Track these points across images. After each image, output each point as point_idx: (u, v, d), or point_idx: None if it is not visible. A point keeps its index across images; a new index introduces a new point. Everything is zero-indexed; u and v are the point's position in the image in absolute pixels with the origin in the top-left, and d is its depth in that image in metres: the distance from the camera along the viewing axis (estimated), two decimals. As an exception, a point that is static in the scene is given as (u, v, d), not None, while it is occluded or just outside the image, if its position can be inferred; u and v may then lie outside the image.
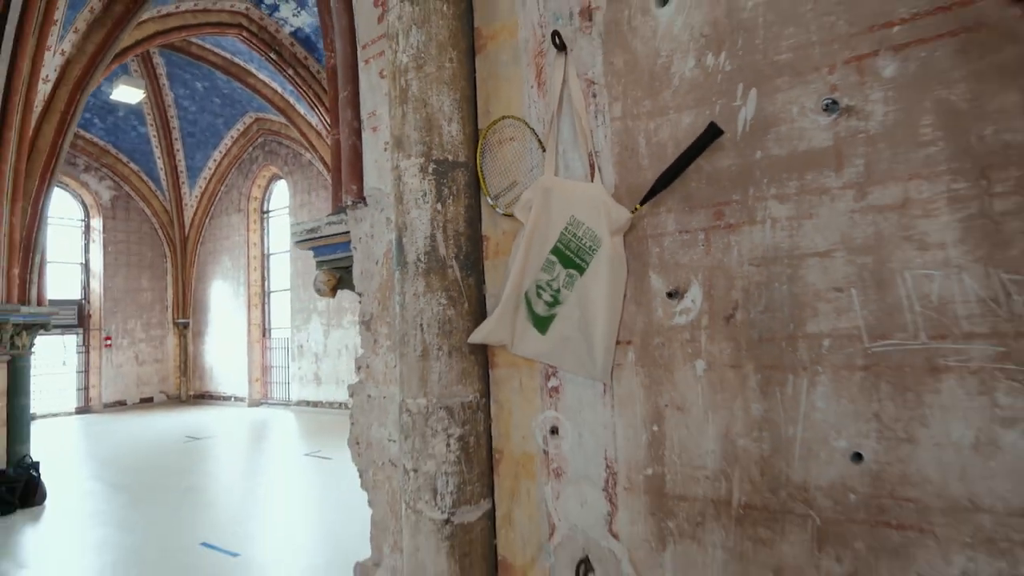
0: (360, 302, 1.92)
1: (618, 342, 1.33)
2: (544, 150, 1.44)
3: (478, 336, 1.44)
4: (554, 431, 1.42)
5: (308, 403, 11.25)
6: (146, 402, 13.11)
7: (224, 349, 12.96)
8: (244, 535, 4.68)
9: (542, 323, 1.41)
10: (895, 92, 1.01)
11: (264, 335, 12.64)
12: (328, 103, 2.61)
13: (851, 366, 1.04)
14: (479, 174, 1.49)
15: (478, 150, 1.50)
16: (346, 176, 1.91)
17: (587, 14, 1.39)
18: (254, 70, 9.93)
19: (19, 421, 5.91)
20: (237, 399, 12.59)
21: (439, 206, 1.45)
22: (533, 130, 1.47)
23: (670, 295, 1.27)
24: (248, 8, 8.33)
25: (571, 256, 1.36)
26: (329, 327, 10.94)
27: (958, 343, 0.95)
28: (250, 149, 12.40)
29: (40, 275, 6.26)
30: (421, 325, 1.44)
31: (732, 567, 1.16)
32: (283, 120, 10.66)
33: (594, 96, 1.39)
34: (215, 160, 12.61)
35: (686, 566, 1.22)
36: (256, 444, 8.72)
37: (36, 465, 5.82)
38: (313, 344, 11.22)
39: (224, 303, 13.05)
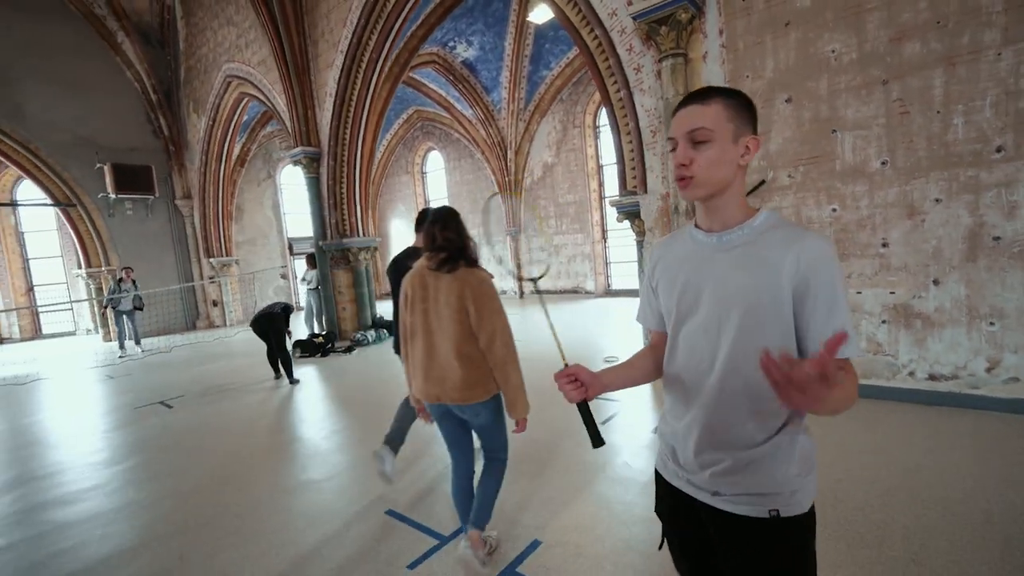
0: (644, 223, 4.95)
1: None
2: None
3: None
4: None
5: (469, 292, 14.77)
6: (357, 298, 16.92)
7: (403, 263, 16.49)
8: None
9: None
10: (803, 173, 3.99)
11: (431, 252, 16.05)
12: (618, 157, 5.44)
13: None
14: (694, 186, 4.50)
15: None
16: (639, 183, 4.91)
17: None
18: (427, 82, 12.49)
19: (369, 298, 9.37)
20: (417, 293, 16.25)
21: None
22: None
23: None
24: (439, 49, 10.92)
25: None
26: (480, 245, 14.12)
27: (812, 224, 3.99)
28: (412, 131, 15.19)
29: (366, 218, 9.49)
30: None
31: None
32: (443, 112, 13.27)
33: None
34: (387, 139, 15.44)
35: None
36: None
37: (382, 318, 9.36)
38: (469, 256, 14.54)
39: (400, 232, 16.39)
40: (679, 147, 0.99)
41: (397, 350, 2.83)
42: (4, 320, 13.13)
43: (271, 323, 6.01)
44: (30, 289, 13.53)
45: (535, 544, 2.39)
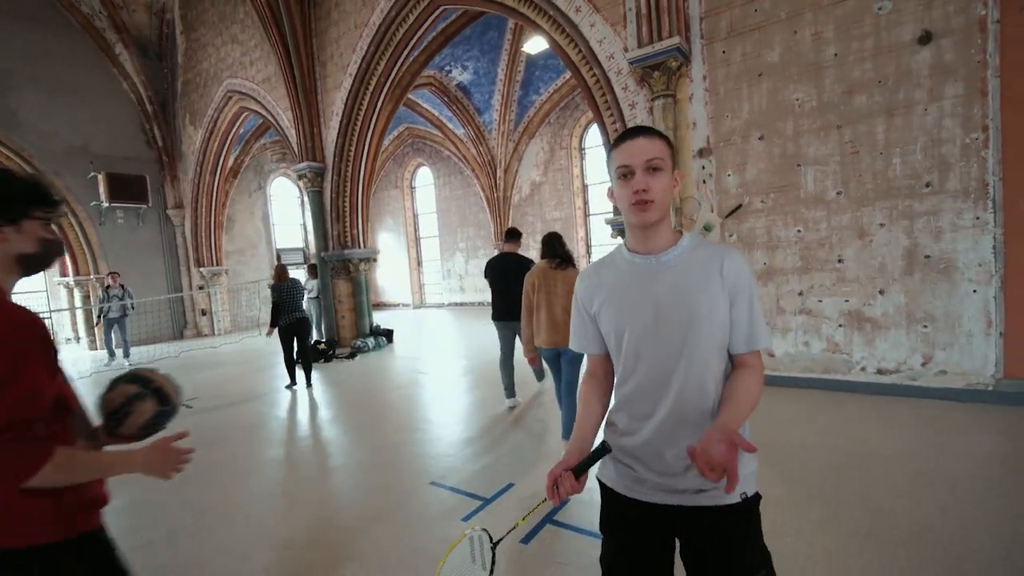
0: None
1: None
2: (700, 204, 5.11)
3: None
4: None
5: (456, 304, 15.22)
6: (343, 309, 17.10)
7: (391, 274, 16.81)
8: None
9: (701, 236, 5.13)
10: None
11: (419, 265, 16.46)
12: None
13: (764, 247, 4.81)
14: (680, 209, 5.19)
15: (683, 204, 5.18)
16: (631, 205, 5.56)
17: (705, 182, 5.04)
18: (420, 101, 13.05)
19: (366, 307, 9.72)
20: (403, 305, 16.57)
21: (677, 215, 5.15)
22: (698, 200, 5.13)
23: (729, 235, 5.00)
24: (436, 73, 11.53)
25: (708, 227, 5.05)
26: (469, 258, 14.69)
27: (781, 242, 4.70)
28: (402, 147, 15.69)
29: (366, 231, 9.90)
30: (669, 244, 5.20)
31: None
32: (434, 131, 13.84)
33: (715, 196, 5.06)
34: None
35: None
36: (460, 320, 12.45)
37: (379, 327, 9.72)
38: (457, 269, 15.03)
39: (389, 245, 16.75)
40: (637, 175, 1.08)
41: (494, 317, 4.86)
42: (-21, 328, 12.82)
43: (303, 327, 6.13)
44: (7, 296, 13.26)
45: (563, 502, 2.90)
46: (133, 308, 9.54)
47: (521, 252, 5.00)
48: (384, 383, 6.41)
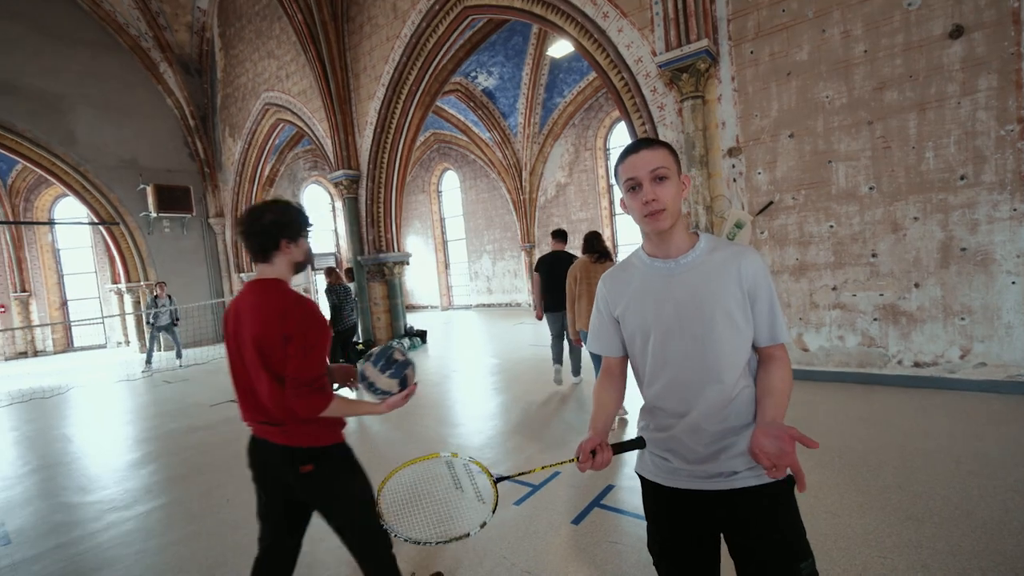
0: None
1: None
2: (730, 203, 5.19)
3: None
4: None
5: (484, 305, 15.47)
6: (374, 311, 17.56)
7: (419, 277, 17.18)
8: (526, 343, 8.74)
9: (733, 233, 5.21)
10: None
11: (446, 267, 16.78)
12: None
13: (796, 243, 4.87)
14: (711, 207, 5.29)
15: (713, 203, 5.28)
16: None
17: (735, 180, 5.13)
18: (446, 107, 13.35)
19: (401, 309, 10.05)
20: (432, 307, 16.92)
21: (708, 213, 5.26)
22: (728, 198, 5.22)
23: (761, 232, 5.07)
24: (462, 79, 11.81)
25: (739, 224, 5.14)
26: (496, 260, 14.94)
27: (813, 238, 4.76)
28: (428, 152, 16.04)
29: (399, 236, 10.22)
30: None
31: (773, 283, 5.04)
32: (460, 135, 14.13)
33: (745, 194, 5.14)
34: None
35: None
36: (488, 321, 12.75)
37: (413, 328, 10.03)
38: (484, 270, 15.29)
39: (417, 249, 17.12)
40: (645, 186, 1.12)
41: (546, 309, 5.35)
42: (39, 333, 13.70)
43: (353, 331, 6.43)
44: (64, 303, 14.13)
45: (609, 487, 3.07)
46: (177, 318, 10.06)
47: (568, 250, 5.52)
48: (422, 382, 6.66)
